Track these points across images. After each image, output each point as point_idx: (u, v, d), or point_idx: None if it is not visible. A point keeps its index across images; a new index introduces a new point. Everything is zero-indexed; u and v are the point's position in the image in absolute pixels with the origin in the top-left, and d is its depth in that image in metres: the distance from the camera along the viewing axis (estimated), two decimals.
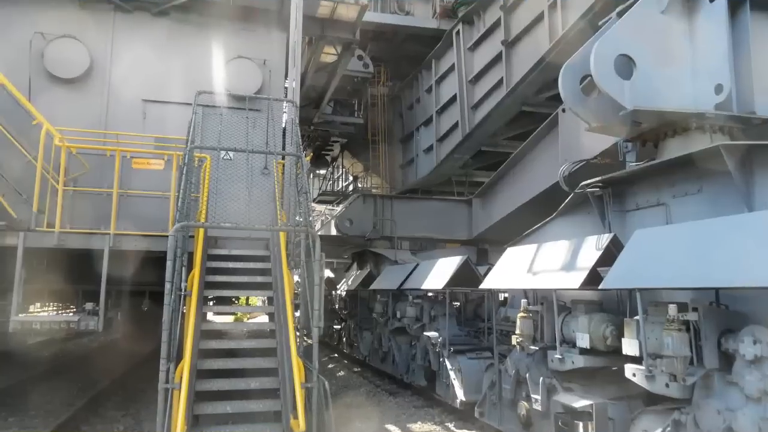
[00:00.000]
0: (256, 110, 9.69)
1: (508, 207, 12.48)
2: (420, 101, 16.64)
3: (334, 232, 15.03)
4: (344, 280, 19.09)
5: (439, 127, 15.40)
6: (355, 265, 18.14)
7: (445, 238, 15.42)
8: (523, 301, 6.56)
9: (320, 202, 24.52)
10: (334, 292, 19.16)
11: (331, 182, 25.65)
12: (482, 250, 15.16)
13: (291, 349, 6.14)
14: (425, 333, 10.40)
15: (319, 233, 8.97)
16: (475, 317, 11.14)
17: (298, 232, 7.73)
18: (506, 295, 8.93)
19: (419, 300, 11.18)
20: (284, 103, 9.88)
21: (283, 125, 9.86)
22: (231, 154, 8.51)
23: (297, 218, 8.06)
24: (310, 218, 7.70)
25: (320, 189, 25.24)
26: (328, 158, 23.52)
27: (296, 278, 8.09)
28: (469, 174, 17.41)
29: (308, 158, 20.78)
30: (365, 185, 22.15)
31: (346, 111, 19.05)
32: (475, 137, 13.99)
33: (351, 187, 24.12)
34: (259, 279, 7.70)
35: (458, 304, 11.53)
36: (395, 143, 18.51)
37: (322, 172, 26.07)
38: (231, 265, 7.76)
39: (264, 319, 16.13)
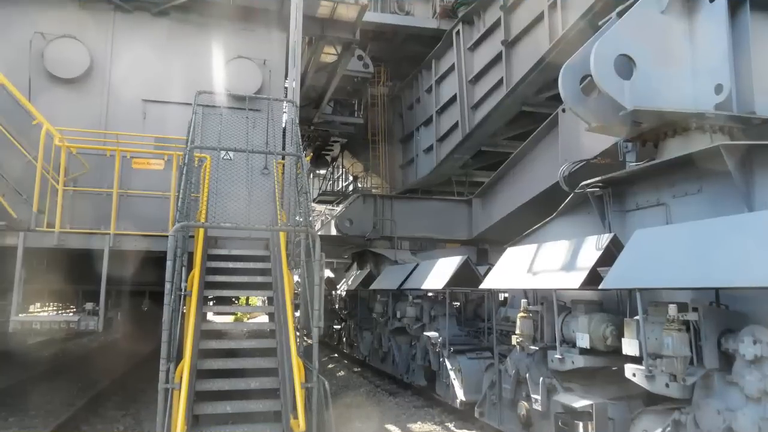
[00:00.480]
0: (256, 110, 9.69)
1: (508, 207, 12.48)
2: (420, 101, 16.64)
3: (334, 232, 15.03)
4: (344, 280, 19.09)
5: (439, 127, 15.40)
6: (355, 265, 18.14)
7: (445, 238, 15.42)
8: (523, 301, 6.56)
9: (320, 202, 24.52)
10: (334, 292, 19.16)
11: (331, 182, 25.65)
12: (482, 250, 15.16)
13: (291, 349, 6.14)
14: (425, 333, 10.40)
15: (319, 233, 8.97)
16: (475, 317, 11.14)
17: (298, 232, 7.74)
18: (506, 295, 8.93)
19: (419, 300, 11.18)
20: (284, 103, 9.88)
21: (283, 125, 9.86)
22: (231, 154, 8.50)
23: (297, 218, 8.06)
24: (310, 218, 7.70)
25: (320, 189, 25.24)
26: (328, 158, 23.52)
27: (296, 278, 8.09)
28: (469, 174, 17.41)
29: (308, 158, 20.78)
30: (365, 185, 22.14)
31: (346, 111, 19.05)
32: (475, 137, 13.99)
33: (351, 187, 24.12)
34: (259, 279, 7.70)
35: (458, 304, 11.53)
36: (395, 143, 18.51)
37: (322, 172, 26.07)
38: (231, 265, 7.76)
39: (264, 319, 16.13)
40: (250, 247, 8.39)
